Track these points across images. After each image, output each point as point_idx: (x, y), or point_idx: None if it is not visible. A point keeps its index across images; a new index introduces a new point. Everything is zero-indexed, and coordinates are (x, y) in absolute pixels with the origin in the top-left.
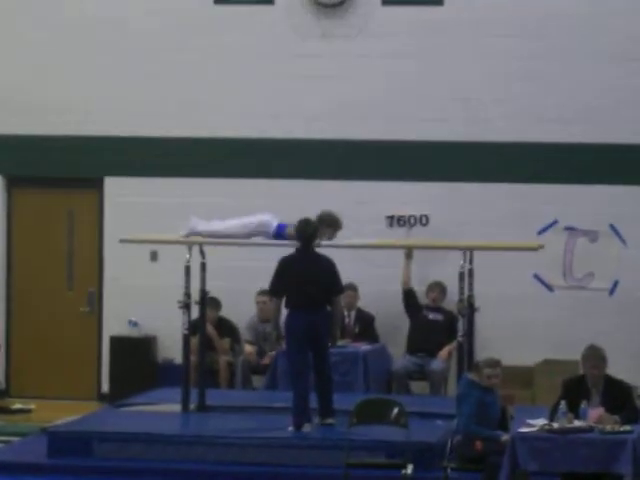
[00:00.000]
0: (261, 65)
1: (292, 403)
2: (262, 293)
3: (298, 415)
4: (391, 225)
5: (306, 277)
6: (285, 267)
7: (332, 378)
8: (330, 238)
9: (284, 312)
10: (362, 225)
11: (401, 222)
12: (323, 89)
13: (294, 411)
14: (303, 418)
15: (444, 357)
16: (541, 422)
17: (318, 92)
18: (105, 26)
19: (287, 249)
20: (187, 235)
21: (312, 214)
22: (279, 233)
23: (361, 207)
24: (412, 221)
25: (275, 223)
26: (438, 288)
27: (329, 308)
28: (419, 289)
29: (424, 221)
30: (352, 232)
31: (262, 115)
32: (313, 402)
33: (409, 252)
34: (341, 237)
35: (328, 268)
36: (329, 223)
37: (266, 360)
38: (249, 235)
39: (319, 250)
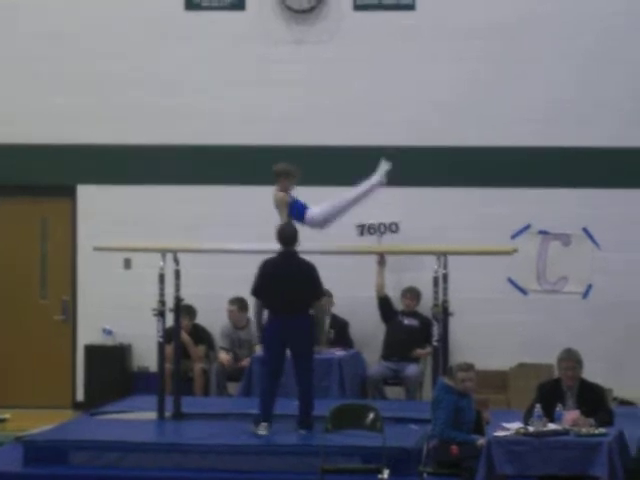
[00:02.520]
0: (232, 71)
1: None
2: (232, 302)
3: (258, 413)
4: (362, 234)
5: (286, 281)
6: (266, 270)
7: (313, 390)
8: (292, 186)
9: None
10: (332, 234)
11: (372, 230)
12: (295, 94)
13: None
14: (262, 417)
15: (420, 357)
16: (516, 426)
17: (290, 97)
18: (78, 31)
19: (261, 256)
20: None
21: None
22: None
23: None
24: (382, 229)
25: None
26: (412, 294)
27: (312, 312)
28: (394, 295)
29: (394, 229)
30: (321, 242)
31: (234, 121)
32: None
33: (381, 260)
34: (315, 243)
35: (308, 272)
36: (288, 174)
37: (243, 363)
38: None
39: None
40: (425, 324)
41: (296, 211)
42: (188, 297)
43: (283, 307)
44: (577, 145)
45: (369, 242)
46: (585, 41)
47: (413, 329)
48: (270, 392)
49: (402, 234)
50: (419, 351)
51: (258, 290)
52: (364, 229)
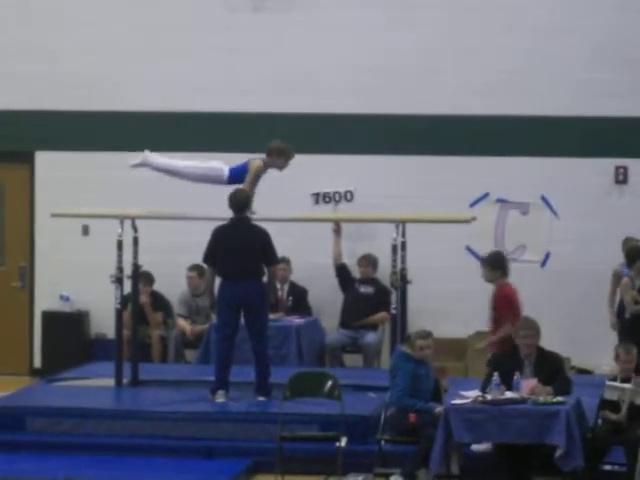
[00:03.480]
0: (192, 38)
1: None
2: (191, 268)
3: (214, 381)
4: (317, 202)
5: (238, 247)
6: (218, 236)
7: (268, 356)
8: (282, 167)
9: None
10: (288, 202)
11: (327, 199)
12: (254, 62)
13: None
14: (218, 384)
15: (373, 323)
16: (474, 394)
17: (249, 65)
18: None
19: (220, 222)
20: (136, 165)
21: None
22: (234, 177)
23: (287, 184)
24: (337, 197)
25: (226, 169)
26: (367, 261)
27: (265, 279)
28: (351, 263)
29: (349, 197)
30: (277, 210)
31: (193, 88)
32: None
33: (337, 228)
34: (271, 212)
35: (262, 238)
36: (280, 152)
37: (197, 329)
38: (200, 178)
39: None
40: (381, 291)
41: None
42: (146, 264)
43: (235, 273)
44: (534, 114)
45: (324, 210)
46: (537, 12)
47: (369, 296)
48: (225, 359)
49: (357, 202)
50: (372, 317)
51: (209, 257)
52: (319, 197)
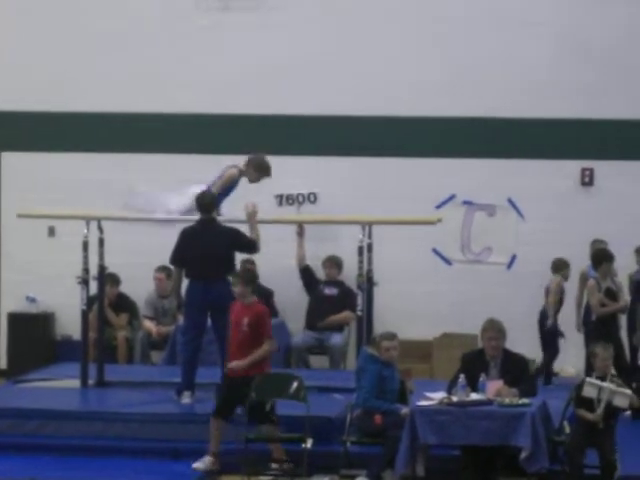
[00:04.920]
0: (159, 38)
1: None
2: (159, 269)
3: (181, 382)
4: (280, 204)
5: (206, 248)
6: (185, 238)
7: None
8: (253, 181)
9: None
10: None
11: (290, 201)
12: (219, 63)
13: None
14: (184, 385)
15: (334, 323)
16: (440, 395)
17: (215, 66)
18: None
19: (185, 225)
20: (126, 207)
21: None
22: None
23: (251, 186)
24: (300, 199)
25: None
26: (332, 262)
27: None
28: (316, 264)
29: (312, 199)
30: (242, 212)
31: (159, 89)
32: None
33: (300, 230)
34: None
35: (231, 238)
36: (256, 167)
37: (162, 330)
38: (189, 211)
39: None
40: (345, 293)
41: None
42: (112, 266)
43: (202, 274)
44: (500, 116)
45: (288, 212)
46: (500, 12)
47: (333, 298)
48: (192, 360)
49: (320, 204)
50: (333, 317)
51: (177, 258)
52: (282, 199)
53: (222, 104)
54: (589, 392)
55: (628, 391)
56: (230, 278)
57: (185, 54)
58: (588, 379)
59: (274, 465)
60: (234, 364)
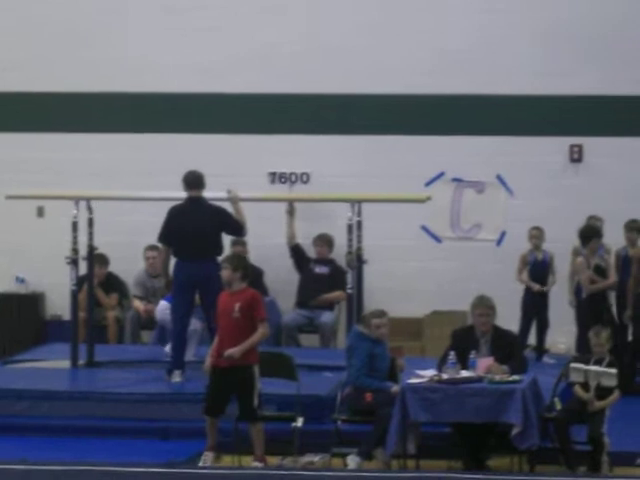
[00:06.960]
0: (137, 17)
1: None
2: (151, 248)
3: (171, 361)
4: (273, 182)
5: (193, 227)
6: (173, 216)
7: None
8: None
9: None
10: (244, 182)
11: (282, 179)
12: (209, 42)
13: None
14: (174, 365)
15: (326, 302)
16: (430, 373)
17: (203, 45)
18: None
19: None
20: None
21: (197, 167)
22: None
23: (243, 164)
24: (293, 178)
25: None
26: (322, 241)
27: (219, 259)
28: (306, 243)
29: (305, 179)
30: (234, 187)
31: (143, 69)
32: None
33: (291, 209)
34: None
35: (219, 217)
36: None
37: (151, 309)
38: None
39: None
40: (336, 271)
41: None
42: (102, 245)
43: (190, 253)
44: (489, 93)
45: (280, 190)
46: None
47: (324, 276)
48: (181, 339)
49: (313, 183)
50: (325, 296)
51: (164, 236)
52: (275, 177)
53: (213, 83)
54: (576, 377)
55: (613, 370)
56: (220, 261)
57: (168, 33)
58: (572, 365)
59: (256, 464)
60: (229, 351)
